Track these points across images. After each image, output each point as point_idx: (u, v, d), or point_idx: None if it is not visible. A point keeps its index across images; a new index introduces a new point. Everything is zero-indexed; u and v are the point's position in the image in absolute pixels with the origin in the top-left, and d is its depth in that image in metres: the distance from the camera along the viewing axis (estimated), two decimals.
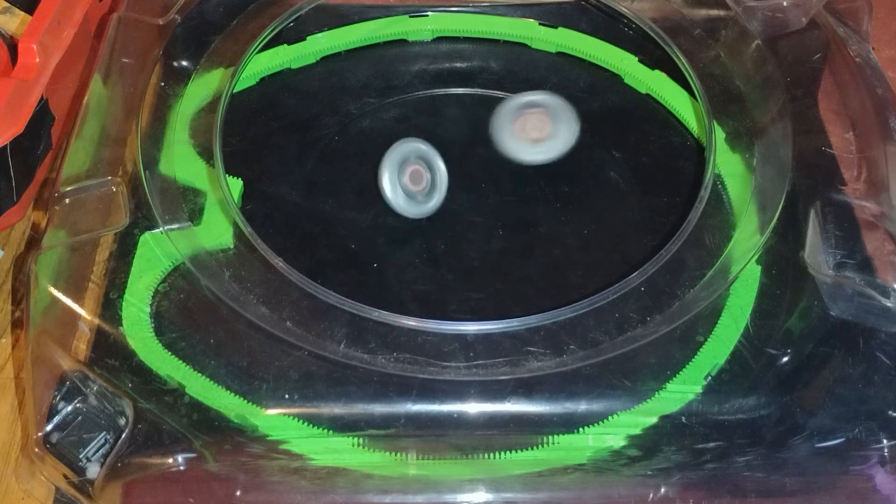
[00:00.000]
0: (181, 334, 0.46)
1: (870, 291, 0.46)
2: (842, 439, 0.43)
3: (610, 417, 0.43)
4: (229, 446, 0.42)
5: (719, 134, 0.54)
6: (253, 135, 0.59)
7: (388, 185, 0.53)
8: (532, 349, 0.44)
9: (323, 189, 0.57)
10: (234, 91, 0.56)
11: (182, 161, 0.52)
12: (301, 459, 0.42)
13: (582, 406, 0.43)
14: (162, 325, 0.46)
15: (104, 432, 0.43)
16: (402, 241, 0.54)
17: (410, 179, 0.53)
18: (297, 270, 0.46)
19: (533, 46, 0.65)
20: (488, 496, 0.43)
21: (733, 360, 0.45)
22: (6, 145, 0.51)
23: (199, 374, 0.44)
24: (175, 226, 0.49)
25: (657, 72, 0.61)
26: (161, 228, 0.48)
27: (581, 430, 0.43)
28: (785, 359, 0.45)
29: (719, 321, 0.46)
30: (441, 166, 0.54)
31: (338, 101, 0.62)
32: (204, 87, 0.56)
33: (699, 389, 0.44)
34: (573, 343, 0.44)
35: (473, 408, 0.43)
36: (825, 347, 0.45)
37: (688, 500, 0.43)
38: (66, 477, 0.43)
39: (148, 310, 0.47)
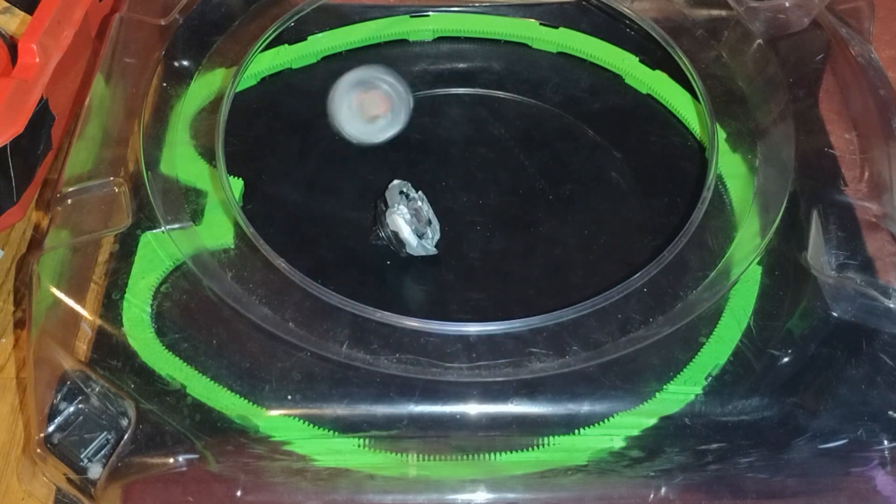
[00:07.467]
0: (183, 335, 0.45)
1: (872, 292, 0.46)
2: (844, 440, 0.43)
3: (611, 418, 0.43)
4: (231, 447, 0.42)
5: (721, 134, 0.54)
6: (254, 135, 0.59)
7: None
8: (534, 350, 0.44)
9: (324, 189, 0.57)
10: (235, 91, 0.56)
11: (184, 161, 0.52)
12: (303, 460, 0.42)
13: (584, 407, 0.43)
14: (163, 325, 0.46)
15: (105, 432, 0.43)
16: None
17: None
18: (299, 271, 0.46)
19: (534, 46, 0.65)
20: (490, 496, 0.43)
21: (735, 360, 0.45)
22: (6, 145, 0.51)
23: (201, 375, 0.44)
24: (176, 226, 0.48)
25: (658, 72, 0.61)
26: (163, 228, 0.48)
27: (583, 430, 0.43)
28: (786, 359, 0.45)
29: (721, 321, 0.46)
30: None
31: None
32: (205, 87, 0.56)
33: (699, 390, 0.44)
34: (576, 344, 0.44)
35: (476, 409, 0.43)
36: (827, 348, 0.45)
37: (689, 502, 0.43)
38: (67, 477, 0.43)
39: (149, 310, 0.47)
